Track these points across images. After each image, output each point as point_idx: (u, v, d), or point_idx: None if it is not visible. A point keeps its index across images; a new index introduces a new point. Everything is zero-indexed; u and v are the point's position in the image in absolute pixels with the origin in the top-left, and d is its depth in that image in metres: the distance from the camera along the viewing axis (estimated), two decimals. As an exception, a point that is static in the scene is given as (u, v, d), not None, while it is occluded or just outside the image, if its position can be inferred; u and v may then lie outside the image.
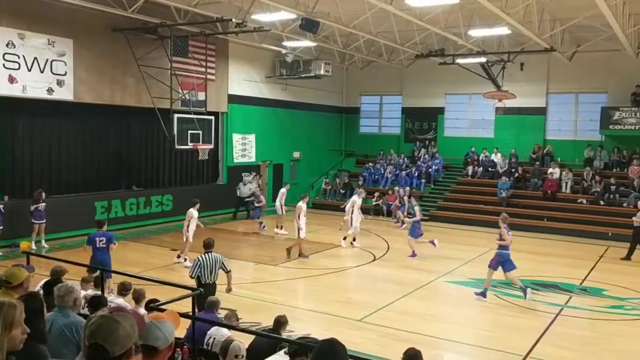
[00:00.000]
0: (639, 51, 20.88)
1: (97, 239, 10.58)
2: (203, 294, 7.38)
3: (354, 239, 16.82)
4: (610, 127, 21.80)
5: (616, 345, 9.20)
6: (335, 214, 22.77)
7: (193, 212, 13.77)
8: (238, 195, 21.11)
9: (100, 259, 10.24)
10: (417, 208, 16.14)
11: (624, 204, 20.09)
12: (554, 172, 22.04)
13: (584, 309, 11.26)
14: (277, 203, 18.71)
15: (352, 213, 16.69)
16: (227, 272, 9.29)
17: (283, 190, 19.18)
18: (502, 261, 11.62)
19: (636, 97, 21.74)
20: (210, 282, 8.97)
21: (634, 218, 16.06)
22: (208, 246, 9.27)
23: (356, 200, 17.12)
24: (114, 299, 7.26)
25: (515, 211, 20.95)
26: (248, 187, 20.75)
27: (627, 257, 16.02)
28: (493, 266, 11.77)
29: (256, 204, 20.07)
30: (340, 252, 15.68)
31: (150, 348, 2.59)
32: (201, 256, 9.13)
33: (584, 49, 21.42)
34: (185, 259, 13.57)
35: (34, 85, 15.27)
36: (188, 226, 13.73)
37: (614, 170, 22.16)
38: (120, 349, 2.35)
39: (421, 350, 5.44)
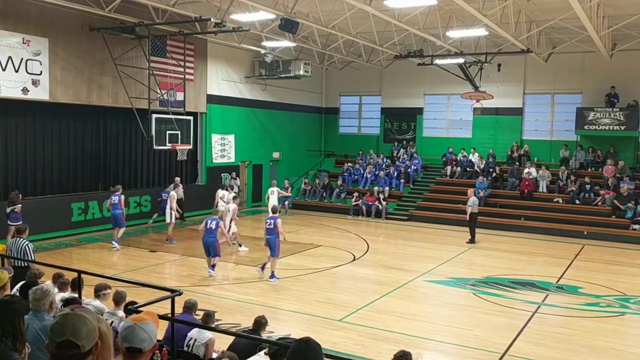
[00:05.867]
0: (613, 53, 21.28)
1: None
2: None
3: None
4: (585, 127, 22.12)
5: (591, 342, 9.35)
6: (315, 214, 22.89)
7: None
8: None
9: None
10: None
11: (599, 203, 20.46)
12: (531, 171, 22.33)
13: (560, 307, 11.44)
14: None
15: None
16: (30, 261, 9.39)
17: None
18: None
19: (610, 98, 22.12)
20: (21, 266, 9.01)
21: (468, 205, 17.87)
22: (19, 232, 9.76)
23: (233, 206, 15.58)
24: (91, 302, 7.16)
25: (493, 210, 21.24)
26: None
27: (472, 241, 17.65)
28: (277, 254, 12.76)
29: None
30: (320, 253, 15.68)
31: (135, 350, 2.55)
32: (10, 241, 10.16)
33: (560, 50, 21.75)
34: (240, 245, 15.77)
35: (8, 85, 15.00)
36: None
37: (589, 170, 22.54)
38: (89, 343, 2.38)
39: (401, 349, 5.47)
